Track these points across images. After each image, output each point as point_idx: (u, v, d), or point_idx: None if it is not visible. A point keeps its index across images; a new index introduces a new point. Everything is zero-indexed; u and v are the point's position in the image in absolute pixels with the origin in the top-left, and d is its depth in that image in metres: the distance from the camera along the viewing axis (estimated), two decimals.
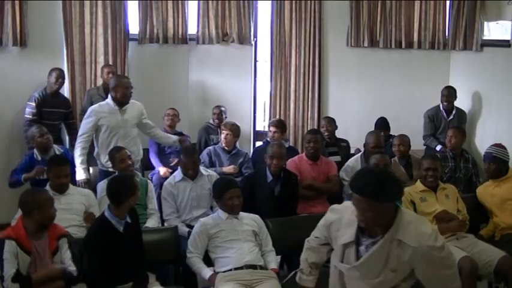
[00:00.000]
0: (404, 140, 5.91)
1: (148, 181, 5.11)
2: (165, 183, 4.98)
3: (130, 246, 3.80)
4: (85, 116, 5.46)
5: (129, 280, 3.77)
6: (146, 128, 5.70)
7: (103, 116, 5.36)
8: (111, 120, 5.37)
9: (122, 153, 4.93)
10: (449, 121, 6.81)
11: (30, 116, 6.03)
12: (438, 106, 6.90)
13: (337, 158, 6.07)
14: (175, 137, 5.83)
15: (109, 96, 5.45)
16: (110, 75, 6.33)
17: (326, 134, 6.35)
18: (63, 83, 6.16)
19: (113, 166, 4.99)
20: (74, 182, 5.00)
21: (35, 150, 5.27)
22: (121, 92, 5.35)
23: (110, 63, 6.71)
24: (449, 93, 6.84)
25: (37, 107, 6.02)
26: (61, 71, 6.13)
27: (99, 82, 6.63)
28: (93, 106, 5.55)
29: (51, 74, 6.08)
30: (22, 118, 6.11)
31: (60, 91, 6.32)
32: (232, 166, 5.82)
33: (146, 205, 4.86)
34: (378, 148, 5.39)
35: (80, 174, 5.23)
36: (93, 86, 6.63)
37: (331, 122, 6.43)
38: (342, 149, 6.35)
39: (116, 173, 4.88)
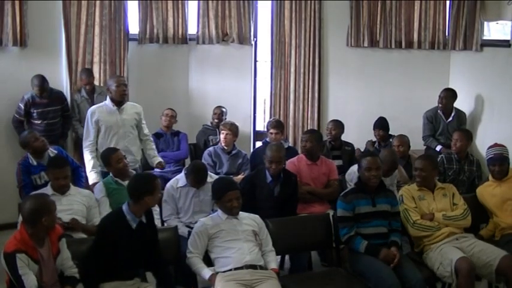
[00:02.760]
0: (404, 140, 5.91)
1: None
2: (168, 186, 4.97)
3: (141, 245, 3.82)
4: (86, 119, 5.49)
5: (134, 277, 3.82)
6: (140, 134, 5.66)
7: (102, 116, 5.40)
8: (109, 120, 5.40)
9: (118, 154, 4.92)
10: (448, 123, 6.81)
11: (18, 116, 6.11)
12: (437, 107, 6.89)
13: (339, 162, 6.02)
14: (157, 160, 5.70)
15: (107, 97, 5.49)
16: (87, 87, 6.40)
17: (329, 137, 6.31)
18: (48, 86, 6.11)
19: (107, 166, 4.94)
20: (75, 182, 5.00)
21: (29, 155, 5.17)
22: (114, 91, 5.39)
23: (110, 63, 6.72)
24: (446, 96, 6.82)
25: (26, 109, 6.07)
26: (43, 78, 6.04)
27: (97, 82, 6.67)
28: (91, 108, 5.57)
29: (34, 81, 6.02)
30: None
31: (55, 88, 6.34)
32: (240, 176, 5.75)
33: None
34: (393, 169, 5.28)
35: (92, 178, 5.26)
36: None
37: (337, 126, 6.31)
38: (346, 153, 6.27)
39: (110, 174, 4.90)
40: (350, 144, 6.43)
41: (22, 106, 6.08)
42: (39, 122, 6.11)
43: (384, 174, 5.17)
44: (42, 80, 6.03)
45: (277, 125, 6.23)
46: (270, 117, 7.30)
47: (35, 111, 6.09)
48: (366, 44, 7.46)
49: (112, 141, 5.38)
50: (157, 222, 4.76)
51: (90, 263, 3.77)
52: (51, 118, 6.20)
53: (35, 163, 5.13)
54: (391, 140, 6.40)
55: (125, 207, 3.85)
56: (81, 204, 4.57)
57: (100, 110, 5.45)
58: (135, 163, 5.49)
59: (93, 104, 5.93)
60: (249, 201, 4.47)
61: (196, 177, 4.83)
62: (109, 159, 4.88)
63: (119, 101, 5.42)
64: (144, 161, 6.21)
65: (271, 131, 6.16)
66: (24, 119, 6.13)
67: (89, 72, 6.50)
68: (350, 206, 4.31)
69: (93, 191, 4.91)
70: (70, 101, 6.52)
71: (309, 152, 5.41)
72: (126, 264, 3.75)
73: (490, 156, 4.97)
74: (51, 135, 6.09)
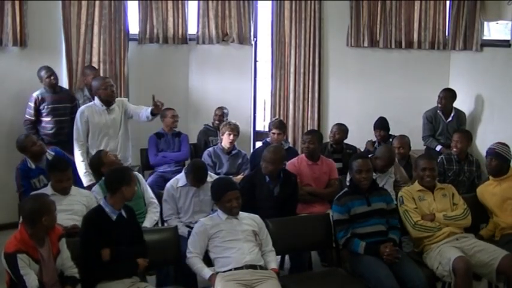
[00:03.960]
0: (405, 141, 5.89)
1: (136, 173, 4.98)
2: (168, 185, 4.95)
3: (124, 238, 3.83)
4: (75, 120, 5.47)
5: (132, 275, 3.81)
6: (135, 114, 5.57)
7: (91, 116, 5.39)
8: (99, 120, 5.40)
9: (105, 151, 4.96)
10: (447, 123, 6.80)
11: (28, 116, 6.08)
12: (436, 107, 6.88)
13: (340, 165, 5.93)
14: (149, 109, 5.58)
15: (95, 97, 5.49)
16: (92, 77, 6.36)
17: (331, 140, 6.25)
18: (56, 78, 6.14)
19: (101, 168, 4.83)
20: (75, 182, 4.98)
21: (27, 159, 5.14)
22: (103, 93, 5.39)
23: (110, 63, 6.73)
24: (445, 96, 6.81)
25: (36, 107, 6.05)
26: (49, 68, 6.10)
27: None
28: (81, 108, 5.57)
29: (40, 72, 6.07)
30: (22, 118, 6.12)
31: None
32: (240, 176, 5.73)
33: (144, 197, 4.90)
34: (389, 166, 5.33)
35: (87, 180, 5.24)
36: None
37: (342, 131, 6.23)
38: (347, 155, 6.15)
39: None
40: (352, 147, 6.37)
41: (32, 104, 6.04)
42: (48, 119, 6.08)
43: (380, 170, 5.19)
44: (51, 69, 6.07)
45: (280, 125, 6.21)
46: (271, 117, 7.28)
47: (44, 107, 6.06)
48: (365, 44, 7.46)
49: (102, 141, 5.39)
50: (157, 216, 4.83)
51: (83, 264, 3.77)
52: (61, 115, 6.16)
53: (33, 167, 5.11)
54: (391, 140, 6.39)
55: (102, 201, 3.93)
56: (82, 204, 4.54)
57: (89, 110, 5.44)
58: (125, 161, 5.45)
59: None
60: (248, 201, 4.46)
61: (196, 176, 4.81)
62: (100, 159, 4.85)
63: (108, 102, 5.42)
64: (143, 161, 6.22)
65: (274, 131, 6.13)
66: (35, 119, 6.09)
67: (93, 67, 6.55)
68: (345, 208, 4.34)
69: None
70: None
71: (312, 153, 5.41)
72: (115, 262, 3.75)
73: (487, 150, 5.02)
74: (61, 133, 6.10)
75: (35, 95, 6.05)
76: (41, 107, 6.07)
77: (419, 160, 4.73)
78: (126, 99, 5.71)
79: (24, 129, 6.06)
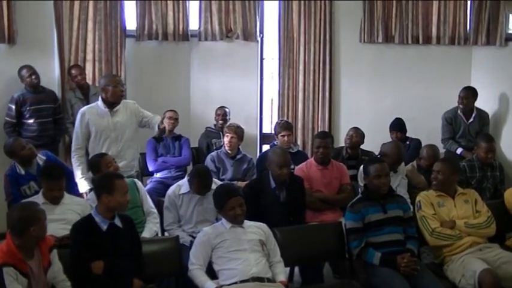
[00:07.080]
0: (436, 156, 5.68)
1: (135, 180, 5.06)
2: (169, 191, 4.94)
3: (118, 250, 3.81)
4: (76, 123, 5.43)
5: None
6: (144, 119, 5.54)
7: (92, 119, 5.30)
8: (100, 123, 5.31)
9: (106, 158, 4.92)
10: (469, 124, 6.73)
11: (9, 119, 6.12)
12: (457, 108, 6.82)
13: (354, 172, 5.86)
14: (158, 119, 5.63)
15: (99, 98, 5.41)
16: (78, 77, 6.42)
17: (348, 143, 6.19)
18: (38, 77, 6.16)
19: (96, 173, 4.83)
20: (68, 189, 4.96)
21: (16, 165, 5.13)
22: (111, 91, 5.27)
23: (106, 61, 6.74)
24: (466, 95, 6.73)
25: (17, 109, 6.08)
26: (31, 67, 6.14)
27: (91, 82, 6.68)
28: (82, 109, 5.48)
29: (21, 71, 6.11)
30: None
31: (47, 87, 6.37)
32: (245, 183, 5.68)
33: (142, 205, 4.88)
34: (399, 163, 5.41)
35: (83, 186, 5.20)
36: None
37: (358, 134, 6.17)
38: (361, 163, 6.17)
39: None
40: (369, 154, 6.25)
41: (13, 106, 6.08)
42: (31, 121, 6.12)
43: (389, 168, 5.15)
44: (33, 68, 6.10)
45: (288, 126, 6.22)
46: (278, 119, 7.25)
47: (26, 109, 6.10)
48: (380, 40, 7.42)
49: (104, 145, 5.31)
50: (156, 227, 4.81)
51: (73, 277, 3.76)
52: (44, 117, 6.21)
53: (23, 172, 5.09)
54: (408, 142, 6.35)
55: (93, 211, 3.93)
56: (75, 213, 4.52)
57: (90, 111, 5.36)
58: (131, 169, 5.41)
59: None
60: (253, 209, 4.43)
61: (201, 182, 4.78)
62: (98, 164, 4.83)
63: (112, 103, 5.33)
64: (142, 165, 6.19)
65: (283, 133, 6.11)
66: (16, 121, 6.12)
67: (79, 66, 6.56)
68: (359, 215, 4.31)
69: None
70: (62, 100, 6.54)
71: (325, 157, 5.39)
72: (108, 272, 3.73)
73: None
74: (44, 135, 6.15)
75: (15, 96, 6.08)
76: (23, 109, 6.10)
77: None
78: (135, 102, 5.57)
79: (4, 132, 6.09)
